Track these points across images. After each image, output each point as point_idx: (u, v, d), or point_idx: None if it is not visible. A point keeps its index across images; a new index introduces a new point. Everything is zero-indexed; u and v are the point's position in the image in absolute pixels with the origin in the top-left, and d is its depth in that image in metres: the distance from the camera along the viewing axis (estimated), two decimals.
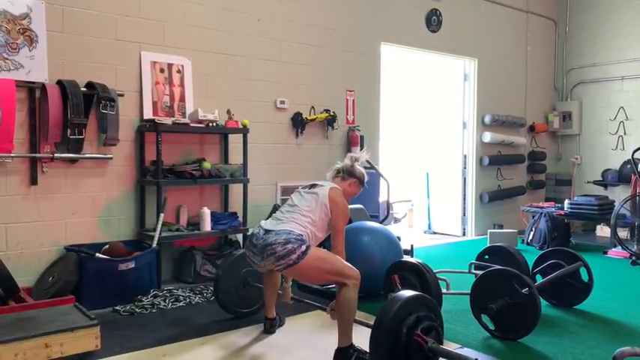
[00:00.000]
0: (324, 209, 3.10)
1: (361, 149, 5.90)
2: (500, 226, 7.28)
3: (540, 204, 7.31)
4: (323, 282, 3.07)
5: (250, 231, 3.21)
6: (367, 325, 2.85)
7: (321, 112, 5.69)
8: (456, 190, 7.60)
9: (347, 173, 3.37)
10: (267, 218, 3.29)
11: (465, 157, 7.55)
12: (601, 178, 7.89)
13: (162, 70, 4.65)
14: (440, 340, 2.56)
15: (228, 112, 4.84)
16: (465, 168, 7.56)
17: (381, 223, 4.95)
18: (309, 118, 5.60)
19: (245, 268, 3.69)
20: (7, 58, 3.88)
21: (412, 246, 4.96)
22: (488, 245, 4.84)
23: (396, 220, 6.72)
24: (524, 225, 7.09)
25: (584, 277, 4.07)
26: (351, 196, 3.37)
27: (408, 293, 2.62)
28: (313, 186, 3.25)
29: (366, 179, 3.45)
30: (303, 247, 2.87)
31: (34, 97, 4.01)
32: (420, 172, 8.09)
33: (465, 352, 3.20)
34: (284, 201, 3.40)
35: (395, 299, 2.53)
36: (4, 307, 3.48)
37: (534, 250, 6.36)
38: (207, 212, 4.65)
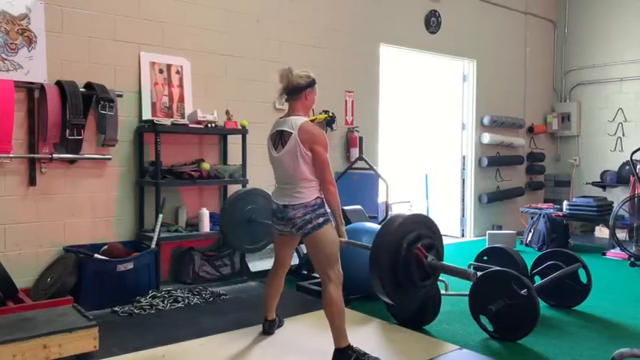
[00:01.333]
0: (306, 157, 2.96)
1: (360, 150, 5.90)
2: (499, 227, 7.28)
3: (539, 205, 7.32)
4: (316, 263, 3.05)
5: None
6: (366, 247, 2.85)
7: (320, 113, 5.69)
8: (455, 191, 7.60)
9: (293, 90, 3.09)
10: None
11: (464, 158, 7.55)
12: (600, 180, 7.90)
13: (161, 71, 4.65)
14: (440, 258, 2.55)
15: (227, 112, 4.84)
16: (463, 169, 7.56)
17: (380, 224, 4.95)
18: (308, 119, 5.58)
19: (250, 205, 3.66)
20: (5, 59, 3.87)
21: None
22: (487, 246, 4.84)
23: None
24: (523, 226, 7.09)
25: (583, 278, 4.08)
26: (313, 103, 3.21)
27: (410, 213, 2.60)
28: (281, 136, 3.04)
29: (312, 76, 3.17)
30: (320, 220, 2.97)
31: (32, 97, 4.00)
32: (419, 173, 8.09)
33: (464, 353, 3.21)
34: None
35: (397, 216, 2.52)
36: (3, 307, 3.48)
37: (533, 251, 6.36)
38: (206, 213, 4.64)
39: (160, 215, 4.35)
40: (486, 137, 7.48)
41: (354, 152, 5.87)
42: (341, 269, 3.01)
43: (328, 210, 3.05)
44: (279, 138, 3.07)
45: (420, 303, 3.41)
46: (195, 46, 4.84)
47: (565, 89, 8.53)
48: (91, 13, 4.28)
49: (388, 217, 3.80)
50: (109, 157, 4.34)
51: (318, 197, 3.02)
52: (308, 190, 3.00)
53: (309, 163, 2.98)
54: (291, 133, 2.99)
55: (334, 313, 2.92)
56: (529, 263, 4.31)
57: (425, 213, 7.86)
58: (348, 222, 4.30)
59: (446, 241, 7.19)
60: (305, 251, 4.15)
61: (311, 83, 3.15)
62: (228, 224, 3.64)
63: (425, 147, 8.05)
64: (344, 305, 2.97)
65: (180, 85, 4.76)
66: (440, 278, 3.90)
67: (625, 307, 4.21)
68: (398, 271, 2.42)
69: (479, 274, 3.38)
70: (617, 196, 7.26)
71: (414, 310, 3.53)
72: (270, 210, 3.26)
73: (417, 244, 2.42)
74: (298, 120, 3.03)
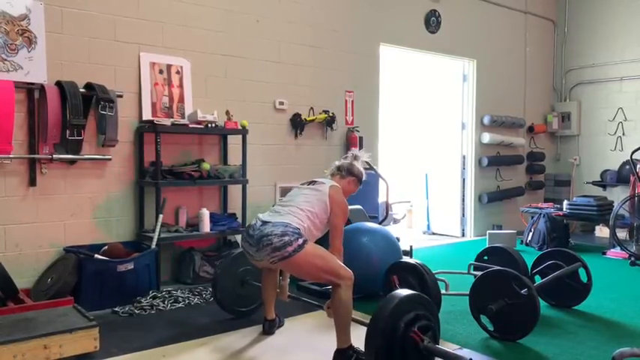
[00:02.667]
0: (323, 206, 3.10)
1: (360, 150, 5.91)
2: (500, 227, 7.28)
3: (539, 205, 7.32)
4: (317, 279, 3.05)
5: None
6: (364, 324, 2.85)
7: (320, 113, 5.69)
8: (455, 191, 7.60)
9: (347, 171, 3.39)
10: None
11: (464, 157, 7.55)
12: (600, 179, 7.90)
13: (161, 71, 4.65)
14: (436, 340, 2.56)
15: (227, 112, 4.84)
16: (464, 169, 7.56)
17: (380, 223, 4.95)
18: (308, 118, 5.60)
19: (243, 267, 3.69)
20: (5, 59, 3.87)
21: (411, 247, 4.96)
22: (487, 246, 4.84)
23: (395, 221, 6.72)
24: (524, 226, 7.09)
25: (583, 277, 4.08)
26: (348, 194, 3.38)
27: (405, 292, 2.62)
28: (313, 182, 3.26)
29: (364, 178, 3.48)
30: (300, 241, 2.86)
31: (32, 98, 4.00)
32: (419, 173, 8.09)
33: (464, 352, 3.21)
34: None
35: (393, 296, 2.52)
36: (3, 308, 3.48)
37: (533, 250, 6.36)
38: (206, 213, 4.64)
39: (160, 215, 4.35)
40: (486, 137, 7.48)
41: (355, 151, 5.86)
42: (348, 268, 2.94)
43: (307, 238, 2.95)
44: (309, 182, 3.27)
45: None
46: (195, 47, 4.84)
47: (565, 89, 8.53)
48: (90, 13, 4.28)
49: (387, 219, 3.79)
50: (109, 157, 4.34)
51: (302, 230, 2.93)
52: (298, 221, 2.97)
53: (321, 214, 3.09)
54: (324, 183, 3.20)
55: (341, 313, 2.88)
56: (529, 263, 4.31)
57: (425, 213, 7.88)
58: (348, 222, 4.31)
59: (446, 241, 7.30)
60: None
61: (359, 178, 3.45)
62: (221, 290, 3.66)
63: (425, 147, 8.05)
64: (352, 307, 2.91)
65: (180, 86, 4.76)
66: (440, 278, 3.92)
67: (625, 306, 4.21)
68: (394, 357, 2.42)
69: (478, 273, 3.38)
70: (618, 195, 7.26)
71: None
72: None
73: (412, 327, 2.44)
74: (334, 182, 3.27)
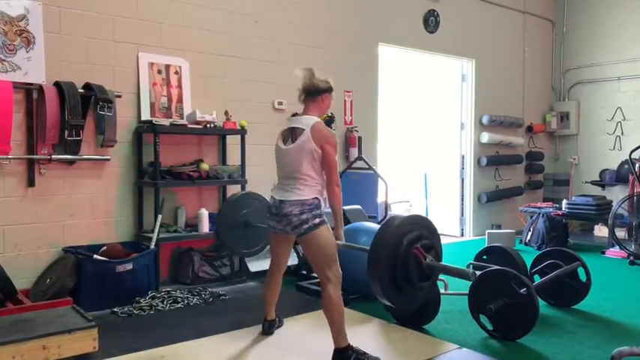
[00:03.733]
0: (315, 155, 2.98)
1: (359, 150, 5.90)
2: (499, 227, 7.29)
3: (538, 204, 7.32)
4: (314, 262, 3.05)
5: None
6: (364, 250, 2.86)
7: None
8: (454, 191, 7.61)
9: (313, 92, 3.20)
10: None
11: (463, 157, 7.55)
12: (599, 179, 7.90)
13: (159, 72, 4.65)
14: (439, 259, 2.55)
15: (226, 113, 4.83)
16: (463, 168, 7.56)
17: (379, 223, 4.95)
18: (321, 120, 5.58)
19: (246, 208, 3.66)
20: (4, 60, 3.87)
21: None
22: (486, 245, 4.84)
23: None
24: (523, 225, 7.09)
25: (582, 277, 4.08)
26: (328, 108, 3.31)
27: (409, 213, 2.61)
28: (293, 132, 3.07)
29: (332, 82, 3.31)
30: (317, 220, 2.95)
31: (31, 98, 4.00)
32: (418, 173, 8.09)
33: (464, 352, 3.21)
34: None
35: (396, 216, 2.52)
36: (2, 309, 3.48)
37: (532, 250, 6.36)
38: (205, 213, 4.64)
39: (159, 216, 4.34)
40: (485, 136, 7.49)
41: (354, 152, 5.87)
42: (340, 269, 3.01)
43: (326, 210, 3.03)
44: (289, 134, 3.11)
45: (419, 304, 3.41)
46: (193, 47, 4.84)
47: (564, 88, 8.54)
48: (89, 13, 4.27)
49: (387, 217, 3.81)
50: (108, 157, 4.34)
51: (316, 197, 3.01)
52: (308, 189, 2.99)
53: (317, 161, 3.00)
54: (304, 129, 3.03)
55: (334, 313, 2.92)
56: (528, 262, 4.31)
57: (424, 213, 7.88)
58: (347, 222, 4.31)
59: (445, 240, 7.24)
60: (302, 252, 4.16)
61: (330, 88, 3.28)
62: (224, 228, 3.64)
63: (424, 146, 8.05)
64: (343, 305, 2.97)
65: (179, 86, 4.75)
66: (439, 278, 3.92)
67: (624, 305, 4.22)
68: (397, 272, 2.42)
69: (477, 273, 3.39)
70: (616, 194, 7.25)
71: (413, 311, 3.53)
72: (265, 212, 3.26)
73: (415, 244, 2.43)
74: (312, 119, 3.08)
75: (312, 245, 2.98)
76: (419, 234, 2.48)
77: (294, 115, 3.20)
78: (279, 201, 3.04)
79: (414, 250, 2.40)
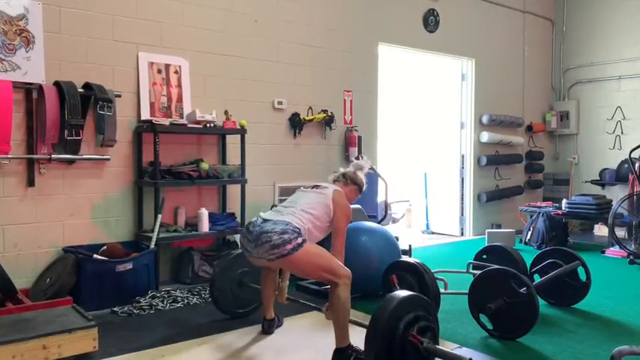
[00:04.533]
0: (326, 209, 3.13)
1: (359, 150, 5.91)
2: (498, 226, 7.29)
3: (538, 203, 7.31)
4: (315, 278, 3.08)
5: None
6: (363, 326, 2.85)
7: (319, 113, 5.69)
8: (454, 190, 7.61)
9: (350, 179, 3.46)
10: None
11: (463, 157, 7.55)
12: (599, 178, 7.90)
13: (159, 71, 4.65)
14: (435, 340, 2.56)
15: (226, 112, 4.83)
16: (462, 168, 7.56)
17: (379, 223, 4.96)
18: (306, 118, 5.60)
19: (241, 268, 3.69)
20: (3, 59, 3.87)
21: (410, 246, 4.96)
22: (486, 245, 4.84)
23: (395, 221, 6.72)
24: (522, 224, 7.09)
25: (582, 276, 4.08)
26: (349, 201, 3.41)
27: (404, 293, 2.62)
28: (317, 186, 3.29)
29: (365, 188, 3.55)
30: (300, 240, 2.87)
31: (31, 98, 3.99)
32: (418, 172, 8.09)
33: (464, 351, 3.21)
34: (282, 201, 3.41)
35: (391, 298, 2.53)
36: (2, 308, 3.47)
37: (532, 249, 6.36)
38: (205, 213, 4.64)
39: (159, 215, 4.34)
40: (485, 136, 7.49)
41: (353, 151, 5.87)
42: (345, 267, 2.96)
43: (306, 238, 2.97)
44: (312, 186, 3.30)
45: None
46: (193, 46, 4.84)
47: (564, 87, 8.54)
48: (88, 13, 4.27)
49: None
50: (108, 157, 4.34)
51: (303, 228, 2.96)
52: (300, 222, 2.98)
53: (323, 215, 3.11)
54: (328, 187, 3.25)
55: (340, 312, 2.88)
56: (528, 262, 4.31)
57: (424, 212, 7.88)
58: None
59: (445, 240, 7.30)
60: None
61: (361, 187, 3.51)
62: (219, 291, 3.66)
63: (424, 146, 8.05)
64: (350, 306, 2.93)
65: (179, 85, 4.75)
66: (439, 277, 3.92)
67: (624, 304, 4.22)
68: (394, 354, 2.42)
69: (477, 272, 3.38)
70: (616, 194, 7.26)
71: None
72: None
73: (411, 330, 2.45)
74: (337, 188, 3.31)
75: (302, 263, 2.91)
76: (415, 315, 2.49)
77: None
78: (263, 219, 3.01)
79: (409, 337, 2.43)
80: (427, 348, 2.44)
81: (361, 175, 3.52)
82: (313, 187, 3.31)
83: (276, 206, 3.30)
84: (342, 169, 3.55)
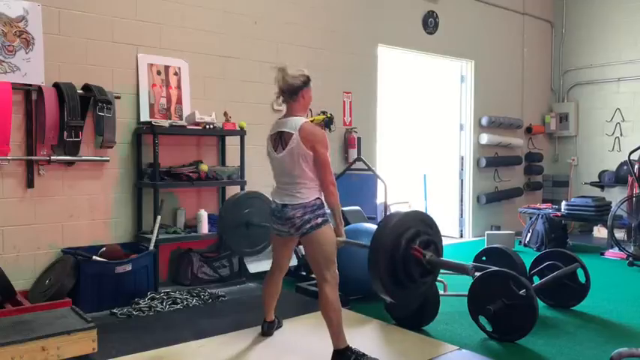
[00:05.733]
0: (305, 156, 2.96)
1: (358, 151, 5.90)
2: (498, 228, 7.29)
3: (537, 205, 7.32)
4: (312, 261, 3.05)
5: None
6: (364, 247, 2.85)
7: (318, 114, 5.69)
8: (454, 192, 7.61)
9: (291, 92, 3.07)
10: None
11: (462, 158, 7.55)
12: (598, 180, 7.90)
13: (159, 73, 4.65)
14: (439, 253, 2.55)
15: (226, 114, 4.83)
16: (462, 170, 7.56)
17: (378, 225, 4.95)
18: (308, 119, 5.58)
19: (247, 208, 3.66)
20: (3, 61, 3.86)
21: None
22: (485, 247, 4.84)
23: None
24: (522, 226, 7.09)
25: (582, 278, 4.08)
26: (310, 101, 3.19)
27: (405, 210, 2.60)
28: (281, 137, 3.04)
29: (307, 73, 3.15)
30: (319, 220, 2.97)
31: (30, 99, 3.99)
32: (417, 174, 8.09)
33: (463, 353, 3.21)
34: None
35: (392, 216, 2.51)
36: (1, 310, 3.47)
37: (531, 251, 6.36)
38: (204, 214, 4.64)
39: (159, 217, 4.34)
40: (484, 138, 7.49)
41: (353, 153, 5.87)
42: (337, 271, 3.01)
43: (327, 211, 3.05)
44: (279, 139, 3.07)
45: (421, 299, 3.41)
46: (193, 48, 4.84)
47: (563, 89, 8.55)
48: (88, 14, 4.27)
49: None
50: (107, 158, 4.33)
51: (317, 198, 3.02)
52: (308, 191, 3.00)
53: (310, 163, 2.98)
54: (292, 133, 2.99)
55: (331, 314, 2.92)
56: (527, 263, 4.31)
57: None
58: (347, 223, 4.30)
59: (444, 241, 7.21)
60: (303, 252, 4.16)
61: (306, 82, 3.13)
62: (226, 229, 3.63)
63: (423, 148, 8.05)
64: (341, 306, 2.97)
65: (178, 87, 4.75)
66: (438, 279, 3.92)
67: (623, 306, 4.22)
68: (397, 269, 2.42)
69: (477, 274, 3.39)
70: (615, 196, 7.25)
71: (413, 309, 3.53)
72: (267, 212, 3.26)
73: (414, 243, 2.42)
74: (299, 120, 3.04)
75: (313, 244, 2.99)
76: (416, 231, 2.47)
77: (280, 118, 3.17)
78: (282, 205, 3.05)
79: (412, 251, 2.40)
80: (430, 260, 2.43)
81: (290, 73, 3.06)
82: (279, 137, 3.04)
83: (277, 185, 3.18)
84: (278, 78, 3.07)
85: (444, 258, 2.60)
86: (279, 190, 3.13)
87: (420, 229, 2.49)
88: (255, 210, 3.61)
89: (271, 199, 3.20)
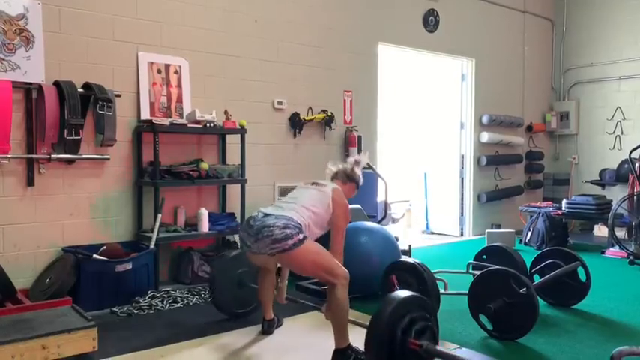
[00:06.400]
0: (325, 207, 3.12)
1: (359, 150, 5.90)
2: (498, 226, 7.28)
3: (538, 204, 7.32)
4: (313, 275, 3.07)
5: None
6: (362, 326, 2.85)
7: (319, 113, 5.69)
8: (454, 191, 7.61)
9: (347, 177, 3.44)
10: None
11: (463, 157, 7.55)
12: (598, 178, 7.90)
13: (159, 71, 4.65)
14: (435, 339, 2.55)
15: (226, 112, 4.83)
16: (462, 168, 7.56)
17: (379, 223, 4.95)
18: (306, 118, 5.60)
19: (240, 268, 3.68)
20: (3, 59, 3.86)
21: (410, 246, 4.96)
22: (486, 245, 4.84)
23: (394, 221, 6.72)
24: (522, 225, 7.09)
25: (582, 276, 4.08)
26: (347, 198, 3.40)
27: (401, 294, 2.61)
28: (316, 183, 3.28)
29: (361, 183, 3.53)
30: (301, 236, 2.87)
31: (30, 97, 3.99)
32: (417, 173, 8.09)
33: (463, 351, 3.21)
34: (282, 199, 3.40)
35: (388, 302, 2.52)
36: (2, 308, 3.47)
37: (532, 249, 6.36)
38: (204, 213, 4.64)
39: (159, 215, 4.34)
40: (485, 136, 7.49)
41: (353, 151, 5.86)
42: (343, 267, 2.97)
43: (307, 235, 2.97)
44: (312, 183, 3.29)
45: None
46: (193, 46, 4.84)
47: (563, 88, 8.54)
48: (88, 13, 4.27)
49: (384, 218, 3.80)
50: (108, 157, 4.33)
51: (304, 225, 2.96)
52: (300, 217, 2.98)
53: (324, 214, 3.10)
54: (327, 186, 3.23)
55: (338, 313, 2.89)
56: (528, 262, 4.31)
57: (424, 212, 7.88)
58: None
59: (445, 240, 7.30)
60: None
61: (359, 183, 3.51)
62: (218, 291, 3.66)
63: (424, 146, 8.05)
64: (349, 306, 2.93)
65: (179, 85, 4.75)
66: (439, 277, 3.92)
67: (624, 305, 4.22)
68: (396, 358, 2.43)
69: (477, 272, 3.38)
70: (616, 194, 7.25)
71: None
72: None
73: (410, 333, 2.44)
74: (336, 185, 3.31)
75: (302, 260, 2.91)
76: (411, 318, 2.48)
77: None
78: (264, 214, 2.99)
79: (408, 344, 2.43)
80: (427, 349, 2.44)
81: (358, 172, 3.49)
82: (313, 183, 3.30)
83: (277, 202, 3.29)
84: (340, 165, 3.51)
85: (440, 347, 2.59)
86: (271, 206, 3.15)
87: (413, 315, 2.51)
88: (249, 270, 3.62)
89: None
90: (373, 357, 2.42)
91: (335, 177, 3.46)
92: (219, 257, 4.01)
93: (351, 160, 3.57)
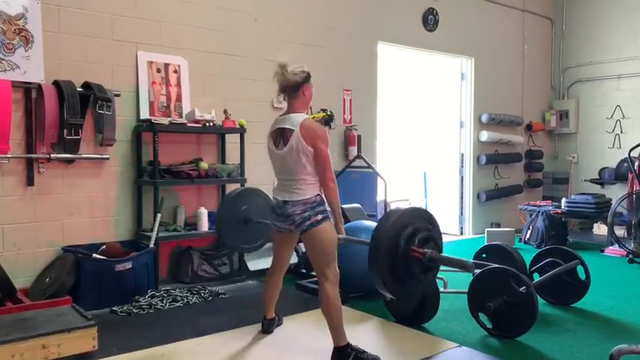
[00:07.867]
0: (306, 152, 2.95)
1: (358, 149, 5.90)
2: (498, 225, 7.29)
3: (537, 202, 7.32)
4: (313, 257, 3.05)
5: None
6: (364, 243, 2.85)
7: (318, 112, 5.68)
8: (454, 189, 7.61)
9: (292, 88, 3.07)
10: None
11: (463, 156, 7.55)
12: (598, 177, 7.90)
13: (158, 70, 4.65)
14: (439, 248, 2.54)
15: (225, 111, 4.83)
16: (462, 167, 7.56)
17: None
18: (308, 116, 5.58)
19: (245, 205, 3.67)
20: (2, 59, 3.86)
21: None
22: (485, 244, 4.84)
23: None
24: (522, 224, 7.10)
25: (582, 275, 4.08)
26: (311, 98, 3.18)
27: (401, 208, 2.60)
28: (282, 133, 3.04)
29: (307, 68, 3.13)
30: (319, 217, 2.96)
31: (30, 97, 3.99)
32: (417, 172, 8.09)
33: (463, 350, 3.22)
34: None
35: (388, 215, 2.51)
36: (2, 308, 3.47)
37: (532, 248, 6.37)
38: (204, 212, 4.64)
39: (159, 214, 4.34)
40: (484, 135, 7.49)
41: (353, 151, 5.87)
42: (337, 268, 3.02)
43: (328, 208, 3.05)
44: (280, 135, 3.07)
45: (422, 295, 3.41)
46: (192, 46, 4.83)
47: (563, 86, 8.54)
48: (88, 12, 4.27)
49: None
50: (107, 156, 4.33)
51: (317, 195, 3.03)
52: (308, 187, 3.00)
53: (311, 159, 2.98)
54: (293, 130, 2.99)
55: (331, 311, 2.92)
56: (528, 261, 4.31)
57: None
58: (347, 220, 4.31)
59: (445, 239, 7.22)
60: (304, 249, 4.17)
61: (307, 78, 3.12)
62: (224, 225, 3.64)
63: (423, 145, 8.04)
64: (341, 303, 2.98)
65: (178, 85, 4.75)
66: (438, 276, 3.92)
67: (623, 303, 4.22)
68: (397, 267, 2.41)
69: (477, 271, 3.39)
70: (616, 193, 7.26)
71: (413, 307, 3.53)
72: (265, 208, 3.26)
73: (413, 241, 2.42)
74: (299, 117, 3.04)
75: (314, 241, 2.99)
76: (414, 228, 2.46)
77: (281, 115, 3.17)
78: (283, 202, 3.05)
79: (411, 253, 2.40)
80: (430, 257, 2.43)
81: (289, 69, 3.04)
82: (280, 134, 3.04)
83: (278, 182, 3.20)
84: (276, 90, 3.12)
85: (444, 254, 2.60)
86: (280, 187, 3.13)
87: (418, 225, 2.48)
88: (254, 206, 3.62)
89: (272, 195, 3.20)
90: (377, 267, 2.41)
91: (284, 99, 3.14)
92: (226, 196, 3.97)
93: (276, 69, 3.07)
